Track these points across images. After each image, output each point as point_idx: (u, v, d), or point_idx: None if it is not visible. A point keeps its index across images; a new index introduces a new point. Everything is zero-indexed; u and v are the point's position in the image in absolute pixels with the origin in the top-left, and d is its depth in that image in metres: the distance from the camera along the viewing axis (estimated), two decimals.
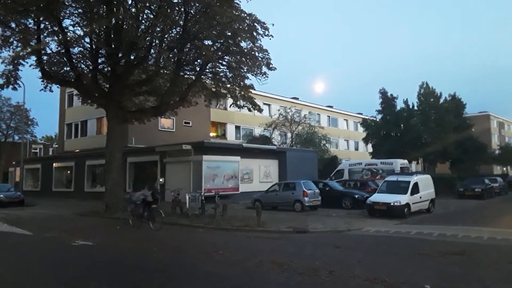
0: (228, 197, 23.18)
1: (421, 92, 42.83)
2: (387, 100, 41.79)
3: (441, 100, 42.54)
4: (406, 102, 42.20)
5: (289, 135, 43.28)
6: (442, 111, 40.80)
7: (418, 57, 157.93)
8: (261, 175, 28.59)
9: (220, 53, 19.79)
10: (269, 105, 46.14)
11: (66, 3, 17.90)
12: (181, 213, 17.51)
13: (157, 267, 8.22)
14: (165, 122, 35.60)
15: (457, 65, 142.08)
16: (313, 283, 6.78)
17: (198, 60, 20.35)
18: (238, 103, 21.71)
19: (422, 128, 39.38)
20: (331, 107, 59.55)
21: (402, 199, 16.96)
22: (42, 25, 18.47)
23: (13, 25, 18.05)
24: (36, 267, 8.57)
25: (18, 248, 11.10)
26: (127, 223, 15.11)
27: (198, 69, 20.74)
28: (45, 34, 18.75)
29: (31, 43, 18.05)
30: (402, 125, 41.02)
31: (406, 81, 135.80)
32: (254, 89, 21.53)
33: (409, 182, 17.90)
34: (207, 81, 22.32)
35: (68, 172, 34.61)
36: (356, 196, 20.95)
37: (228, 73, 21.00)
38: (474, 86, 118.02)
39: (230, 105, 23.93)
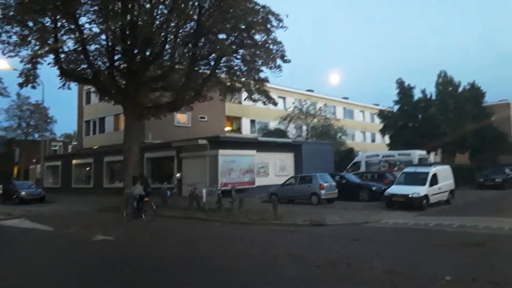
0: (244, 191, 23.25)
1: (439, 81, 41.93)
2: (404, 90, 41.10)
3: (460, 89, 41.59)
4: (423, 92, 41.40)
5: (304, 128, 43.07)
6: (461, 100, 39.90)
7: (436, 46, 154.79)
8: (277, 168, 28.59)
9: (234, 47, 19.77)
10: (284, 98, 45.95)
11: (82, 1, 18.08)
12: (198, 207, 17.66)
13: (174, 260, 8.32)
14: (181, 118, 35.85)
15: (476, 53, 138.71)
16: (331, 275, 6.77)
17: (213, 54, 20.38)
18: (253, 96, 21.67)
19: (441, 118, 38.62)
20: (347, 98, 58.94)
21: (420, 190, 16.73)
22: (59, 24, 18.75)
23: (30, 24, 18.39)
24: (57, 262, 8.79)
25: (40, 244, 11.40)
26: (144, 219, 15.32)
27: (212, 63, 20.80)
28: (62, 33, 19.04)
29: (48, 41, 18.37)
30: (420, 116, 40.33)
31: (423, 71, 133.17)
32: (269, 82, 21.48)
33: (427, 173, 17.63)
34: (221, 75, 22.34)
35: (87, 168, 35.23)
36: (374, 188, 20.76)
37: (242, 67, 20.98)
38: (494, 74, 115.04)
39: (245, 99, 23.93)
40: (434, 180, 17.60)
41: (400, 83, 41.34)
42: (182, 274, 7.32)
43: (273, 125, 43.44)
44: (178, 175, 25.55)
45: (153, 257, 8.81)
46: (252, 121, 44.30)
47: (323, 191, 19.47)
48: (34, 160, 41.45)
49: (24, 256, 9.41)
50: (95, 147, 37.59)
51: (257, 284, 6.57)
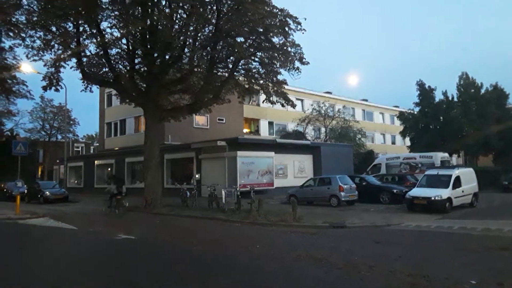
0: (263, 193, 23.30)
1: (461, 83, 41.14)
2: (425, 92, 40.47)
3: (482, 91, 40.69)
4: (445, 93, 40.70)
5: (323, 130, 42.84)
6: (484, 102, 39.02)
7: (457, 47, 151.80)
8: (295, 170, 28.53)
9: (252, 50, 19.84)
10: (302, 100, 45.82)
11: (103, 6, 18.48)
12: (217, 208, 17.78)
13: (196, 259, 8.40)
14: (200, 120, 36.16)
15: (499, 54, 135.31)
16: (352, 278, 6.71)
17: (231, 57, 20.49)
18: (271, 98, 21.67)
19: (463, 120, 37.87)
20: (366, 100, 58.38)
21: (443, 193, 16.43)
22: (81, 28, 19.23)
23: (53, 29, 18.90)
24: (82, 260, 8.98)
25: (65, 242, 11.66)
26: (165, 218, 15.51)
27: (231, 66, 20.91)
28: (84, 37, 19.52)
29: (71, 46, 18.85)
30: (441, 117, 39.63)
31: (444, 73, 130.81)
32: (287, 84, 21.44)
33: (450, 175, 17.30)
34: (240, 78, 22.44)
35: (109, 169, 35.87)
36: (395, 190, 20.48)
37: (260, 69, 21.01)
38: None
39: (263, 101, 23.96)
40: (457, 183, 17.26)
41: (421, 85, 40.74)
42: (202, 272, 7.38)
43: (291, 127, 43.37)
44: (197, 176, 25.77)
45: (173, 255, 8.90)
46: (270, 123, 44.31)
47: (342, 193, 19.31)
48: (57, 161, 42.44)
49: (49, 254, 9.64)
50: (116, 148, 38.26)
51: (278, 284, 6.57)
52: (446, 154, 29.51)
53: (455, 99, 40.57)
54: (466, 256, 8.29)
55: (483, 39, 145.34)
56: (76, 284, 6.85)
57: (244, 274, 7.21)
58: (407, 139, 44.12)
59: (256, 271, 7.39)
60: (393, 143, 59.67)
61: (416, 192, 17.35)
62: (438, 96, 40.77)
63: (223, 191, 17.79)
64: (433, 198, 16.27)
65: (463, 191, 17.52)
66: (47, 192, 26.38)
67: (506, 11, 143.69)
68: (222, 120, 37.50)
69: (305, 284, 6.52)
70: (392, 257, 8.23)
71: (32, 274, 7.58)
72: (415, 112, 41.78)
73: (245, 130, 41.63)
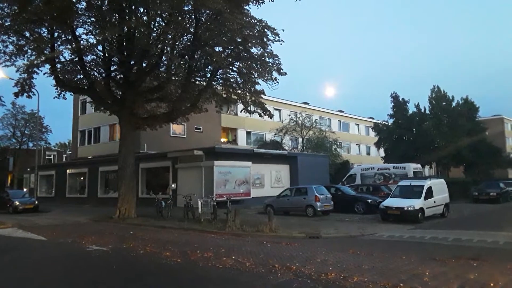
0: (240, 202, 23.20)
1: (433, 95, 42.44)
2: (398, 104, 41.50)
3: (453, 104, 42.09)
4: (417, 106, 41.87)
5: (300, 140, 43.20)
6: (455, 115, 40.34)
7: (430, 60, 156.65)
8: (272, 180, 28.58)
9: (230, 59, 19.90)
10: (279, 110, 46.16)
11: (79, 12, 18.20)
12: (193, 218, 17.57)
13: (169, 271, 8.25)
14: (177, 128, 35.85)
15: (470, 69, 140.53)
16: None
17: (209, 67, 20.51)
18: (249, 108, 21.76)
19: (435, 132, 38.99)
20: (342, 111, 59.33)
21: (416, 203, 16.78)
22: (55, 34, 18.86)
23: (27, 34, 18.47)
24: (51, 272, 8.67)
25: (33, 253, 11.25)
26: (139, 229, 15.19)
27: (209, 75, 20.92)
28: (58, 43, 19.14)
29: (45, 51, 18.41)
30: (414, 129, 40.67)
31: (417, 85, 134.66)
32: (265, 95, 21.58)
33: (422, 186, 17.71)
34: (218, 87, 22.45)
35: (82, 178, 35.02)
36: (369, 200, 20.79)
37: (238, 79, 21.10)
38: (487, 89, 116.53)
39: (241, 111, 24.03)
40: (429, 194, 17.68)
41: (395, 97, 41.76)
42: (176, 285, 7.27)
43: (268, 136, 43.55)
44: (173, 185, 25.46)
45: (146, 267, 8.72)
46: (248, 133, 44.38)
47: (318, 203, 19.46)
48: (28, 169, 41.15)
49: (15, 266, 9.27)
50: (90, 157, 37.44)
51: None
52: (419, 165, 30.21)
53: (427, 112, 41.75)
54: (438, 266, 8.45)
55: (455, 52, 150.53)
56: None
57: (217, 286, 7.12)
58: (382, 150, 45.00)
59: (229, 282, 7.32)
60: (368, 153, 60.72)
61: (390, 202, 17.66)
62: (411, 109, 41.92)
63: (199, 201, 17.61)
64: (406, 208, 16.59)
65: (435, 202, 17.95)
66: (17, 202, 25.45)
67: (477, 24, 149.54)
68: (200, 129, 37.30)
69: None
70: (366, 267, 8.30)
71: None
72: (389, 124, 42.73)
73: (223, 140, 41.52)
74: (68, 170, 36.25)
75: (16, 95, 19.46)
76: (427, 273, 7.66)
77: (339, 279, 7.24)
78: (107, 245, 11.79)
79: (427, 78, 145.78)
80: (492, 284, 6.83)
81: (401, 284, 6.75)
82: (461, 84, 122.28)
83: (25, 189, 37.66)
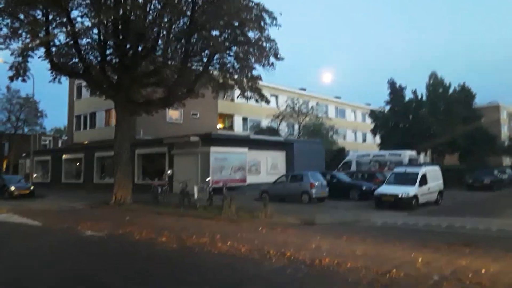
0: (236, 189, 23.27)
1: (430, 82, 42.40)
2: (395, 91, 41.47)
3: (450, 91, 42.08)
4: (414, 93, 41.84)
5: (296, 126, 43.20)
6: (451, 102, 40.38)
7: (427, 47, 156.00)
8: (268, 166, 28.65)
9: (227, 44, 19.71)
10: (276, 96, 46.01)
11: None
12: (189, 205, 17.62)
13: (165, 257, 8.31)
14: (173, 114, 35.72)
15: (467, 56, 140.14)
16: (320, 274, 6.80)
17: (206, 51, 20.31)
18: (246, 94, 21.64)
19: (431, 119, 39.06)
20: (339, 98, 59.21)
21: (410, 190, 16.90)
22: (50, 17, 18.54)
23: (21, 16, 18.17)
24: (46, 258, 8.71)
25: (28, 239, 11.28)
26: (135, 215, 15.24)
27: (205, 60, 20.72)
28: (53, 26, 18.83)
29: (39, 34, 18.16)
30: (410, 116, 40.75)
31: (415, 72, 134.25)
32: (262, 80, 21.46)
33: (417, 173, 17.80)
34: (214, 72, 22.28)
35: (78, 164, 34.95)
36: (364, 187, 20.90)
37: (235, 64, 20.91)
38: (484, 77, 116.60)
39: (237, 97, 23.90)
40: (424, 181, 17.78)
41: (392, 84, 41.70)
42: (172, 271, 7.33)
43: (265, 123, 43.51)
44: (169, 171, 25.48)
45: (143, 253, 8.77)
46: (245, 119, 44.30)
47: (314, 190, 19.55)
48: (23, 155, 40.96)
49: (10, 252, 9.30)
50: (85, 142, 37.33)
51: (247, 281, 6.58)
52: (414, 152, 30.34)
53: (424, 99, 41.75)
54: (431, 252, 8.54)
55: (454, 39, 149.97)
56: (40, 283, 6.64)
57: (213, 272, 7.19)
58: (378, 137, 45.11)
59: (225, 269, 7.38)
60: (364, 140, 60.87)
61: (384, 189, 17.77)
62: (408, 95, 41.92)
63: (195, 187, 17.65)
64: (400, 196, 16.71)
65: (429, 189, 18.07)
66: (12, 187, 25.37)
67: (475, 11, 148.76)
68: (196, 115, 37.17)
69: (273, 281, 6.56)
70: (359, 253, 8.38)
71: None
72: (386, 111, 42.74)
73: (219, 126, 41.46)
74: (63, 156, 36.13)
75: (11, 78, 19.22)
76: (420, 260, 7.74)
77: (333, 264, 7.32)
78: (103, 230, 11.83)
79: (425, 65, 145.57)
80: (483, 271, 6.92)
81: (394, 270, 6.82)
82: (459, 71, 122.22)
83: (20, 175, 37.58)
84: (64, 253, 9.28)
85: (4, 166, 49.54)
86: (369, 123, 49.12)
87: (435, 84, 42.06)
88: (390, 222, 13.58)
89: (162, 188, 19.85)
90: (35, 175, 35.96)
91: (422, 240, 9.90)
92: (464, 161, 40.99)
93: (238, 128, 43.46)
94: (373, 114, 43.92)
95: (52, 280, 6.78)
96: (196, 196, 17.36)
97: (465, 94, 42.11)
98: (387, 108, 42.61)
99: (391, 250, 8.84)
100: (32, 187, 26.52)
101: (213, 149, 23.91)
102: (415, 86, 66.18)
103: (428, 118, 39.05)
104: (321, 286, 6.22)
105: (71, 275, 7.09)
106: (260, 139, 29.35)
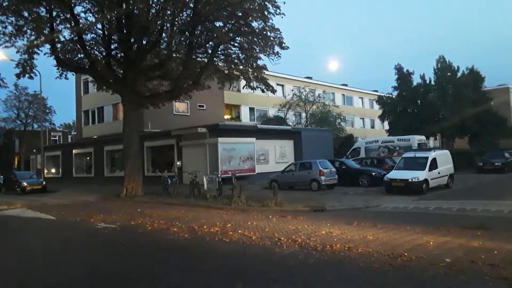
0: (245, 178, 23.37)
1: (438, 66, 41.81)
2: (403, 76, 41.04)
3: (459, 74, 41.47)
4: (422, 77, 41.36)
5: (303, 115, 43.04)
6: (460, 85, 39.83)
7: (435, 31, 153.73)
8: (276, 155, 28.66)
9: (231, 34, 19.60)
10: (282, 85, 45.79)
11: None
12: (199, 195, 17.76)
13: (177, 247, 8.40)
14: (180, 106, 35.78)
15: (475, 38, 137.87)
16: (331, 259, 6.84)
17: (210, 42, 20.24)
18: (251, 84, 21.59)
19: (440, 103, 38.62)
20: (346, 85, 58.74)
21: (420, 175, 16.82)
22: (54, 13, 18.59)
23: (25, 14, 18.21)
24: (61, 250, 8.87)
25: (43, 232, 11.48)
26: (146, 206, 15.38)
27: (210, 51, 20.64)
28: (57, 22, 18.93)
29: (44, 31, 18.22)
30: (419, 101, 40.34)
31: (422, 56, 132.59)
32: (267, 70, 21.36)
33: (427, 158, 17.70)
34: (219, 64, 22.23)
35: (88, 158, 35.29)
36: (373, 173, 20.85)
37: (240, 55, 20.84)
38: (493, 59, 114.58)
39: (243, 87, 23.84)
40: (434, 165, 17.68)
41: (399, 69, 41.26)
42: (184, 259, 7.42)
43: (272, 112, 43.41)
44: (178, 163, 25.63)
45: (155, 243, 8.89)
46: (251, 109, 44.22)
47: (323, 177, 19.56)
48: (34, 150, 41.45)
49: (26, 245, 9.47)
50: (94, 137, 37.61)
51: (259, 268, 6.64)
52: (423, 137, 30.10)
53: (433, 83, 41.27)
54: (442, 235, 8.54)
55: (462, 22, 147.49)
56: (57, 274, 6.77)
57: (225, 260, 7.26)
58: (386, 123, 44.80)
59: (238, 256, 7.46)
60: (372, 127, 60.47)
61: (394, 174, 17.71)
62: (416, 80, 41.47)
63: (204, 178, 17.75)
64: (410, 180, 16.64)
65: (439, 173, 17.96)
66: (24, 183, 25.77)
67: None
68: (203, 106, 37.20)
69: (285, 267, 6.62)
70: (370, 238, 8.41)
71: (6, 265, 7.46)
72: (394, 96, 42.36)
73: (226, 117, 41.46)
74: (74, 150, 36.49)
75: (18, 76, 19.41)
76: (431, 243, 7.75)
77: (344, 250, 7.36)
78: (115, 222, 12.00)
79: (433, 49, 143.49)
80: (496, 252, 6.91)
81: (405, 254, 6.84)
82: (467, 54, 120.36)
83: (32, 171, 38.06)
84: (78, 244, 9.44)
85: (16, 162, 50.22)
86: (377, 109, 48.71)
87: (443, 68, 41.48)
88: (400, 207, 13.57)
89: (172, 180, 19.99)
90: (46, 170, 36.36)
91: (433, 224, 9.90)
92: (474, 145, 40.57)
93: (245, 118, 43.40)
94: (381, 100, 43.55)
95: (67, 271, 6.91)
96: (205, 186, 17.46)
97: (473, 77, 41.47)
98: (395, 93, 42.22)
99: (402, 234, 8.85)
100: (44, 182, 26.91)
101: (221, 139, 23.97)
102: (423, 71, 65.57)
103: (437, 102, 38.62)
104: (332, 270, 6.25)
105: (87, 266, 7.22)
106: (268, 129, 29.33)
